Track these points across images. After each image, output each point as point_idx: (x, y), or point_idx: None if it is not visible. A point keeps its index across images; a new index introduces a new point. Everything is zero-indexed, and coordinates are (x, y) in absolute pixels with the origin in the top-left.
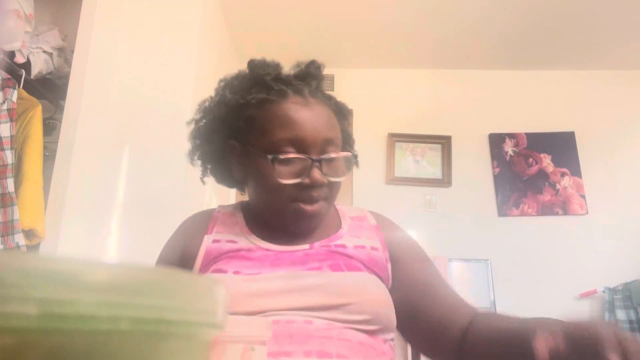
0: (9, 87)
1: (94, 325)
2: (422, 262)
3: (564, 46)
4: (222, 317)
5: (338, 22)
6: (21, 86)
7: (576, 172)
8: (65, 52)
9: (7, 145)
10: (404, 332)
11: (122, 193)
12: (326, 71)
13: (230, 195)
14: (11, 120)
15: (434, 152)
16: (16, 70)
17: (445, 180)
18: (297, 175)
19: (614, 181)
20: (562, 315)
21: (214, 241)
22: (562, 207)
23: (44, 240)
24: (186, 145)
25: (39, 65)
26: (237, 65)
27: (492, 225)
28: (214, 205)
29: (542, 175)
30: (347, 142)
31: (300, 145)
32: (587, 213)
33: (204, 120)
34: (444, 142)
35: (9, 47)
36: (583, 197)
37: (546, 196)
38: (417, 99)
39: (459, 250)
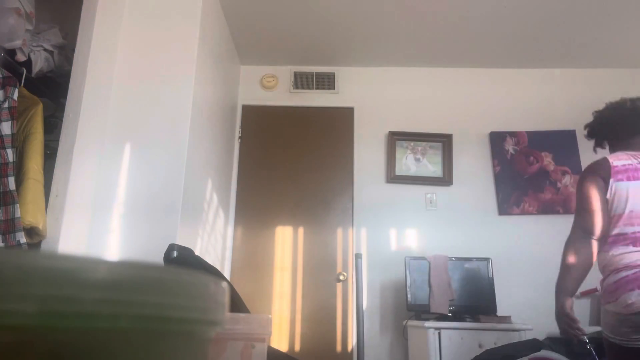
0: (10, 85)
1: (94, 323)
2: None
3: (565, 44)
4: (222, 315)
5: (339, 21)
6: (22, 84)
7: (577, 170)
8: (66, 51)
9: (8, 144)
10: None
11: (123, 191)
12: (327, 69)
13: (231, 193)
14: (12, 119)
15: (434, 151)
16: (17, 69)
17: (446, 179)
18: None
19: None
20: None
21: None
22: (563, 205)
23: (45, 238)
24: (185, 143)
25: (40, 64)
26: (237, 65)
27: (492, 223)
28: (214, 203)
29: (543, 173)
30: None
31: None
32: None
33: None
34: (445, 141)
35: (10, 46)
36: None
37: (547, 195)
38: (417, 97)
39: (459, 249)
